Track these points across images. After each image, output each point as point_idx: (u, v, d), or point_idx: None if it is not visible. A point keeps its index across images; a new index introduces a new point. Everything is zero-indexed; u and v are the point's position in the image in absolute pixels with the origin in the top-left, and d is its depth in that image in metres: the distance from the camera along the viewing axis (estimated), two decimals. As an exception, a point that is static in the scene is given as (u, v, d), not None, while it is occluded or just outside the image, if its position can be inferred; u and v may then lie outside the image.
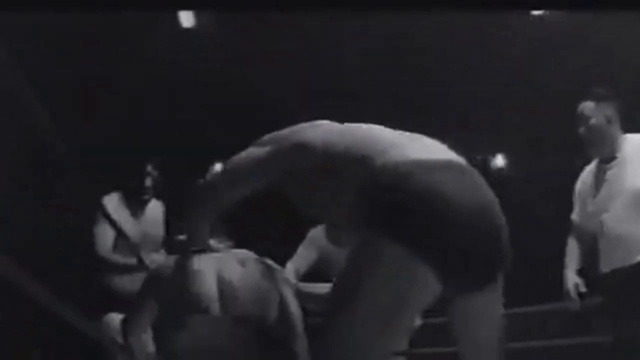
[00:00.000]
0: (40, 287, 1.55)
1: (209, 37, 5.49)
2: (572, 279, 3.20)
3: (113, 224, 2.89)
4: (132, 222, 3.58)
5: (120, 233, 3.19)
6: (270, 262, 2.31)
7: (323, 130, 1.84)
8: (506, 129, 6.37)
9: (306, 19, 4.77)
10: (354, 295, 1.54)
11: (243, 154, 1.95)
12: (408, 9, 3.52)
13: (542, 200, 6.28)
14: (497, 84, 5.67)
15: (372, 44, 5.40)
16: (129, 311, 2.35)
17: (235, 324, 2.13)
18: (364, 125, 1.83)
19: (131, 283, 3.12)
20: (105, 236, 3.47)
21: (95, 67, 5.18)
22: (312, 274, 3.33)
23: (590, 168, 3.27)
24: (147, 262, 3.25)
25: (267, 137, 1.94)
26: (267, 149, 1.90)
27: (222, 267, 2.21)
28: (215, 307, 2.14)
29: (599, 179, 3.18)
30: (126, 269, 3.41)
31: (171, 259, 2.30)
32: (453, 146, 1.79)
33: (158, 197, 3.77)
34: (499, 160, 7.23)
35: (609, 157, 3.15)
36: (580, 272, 3.24)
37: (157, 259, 3.40)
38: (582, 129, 3.16)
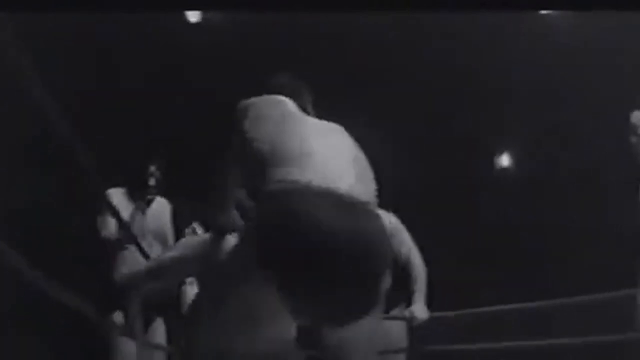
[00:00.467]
0: (48, 281, 1.60)
1: (216, 32, 5.52)
2: None
3: (116, 214, 2.96)
4: (135, 216, 3.66)
5: (121, 224, 3.27)
6: None
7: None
8: (511, 128, 6.39)
9: (318, 17, 4.80)
10: None
11: None
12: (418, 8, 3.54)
13: (547, 200, 6.31)
14: (505, 82, 5.68)
15: (379, 42, 5.42)
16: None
17: None
18: (301, 130, 1.87)
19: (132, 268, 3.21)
20: (109, 223, 3.56)
21: (104, 65, 5.23)
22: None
23: None
24: (147, 251, 3.33)
25: None
26: None
27: None
28: None
29: None
30: (127, 254, 3.50)
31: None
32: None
33: (163, 195, 3.86)
34: (504, 160, 7.25)
35: None
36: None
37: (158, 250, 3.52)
38: (633, 138, 3.15)
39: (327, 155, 1.79)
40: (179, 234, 3.74)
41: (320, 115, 2.03)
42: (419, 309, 3.65)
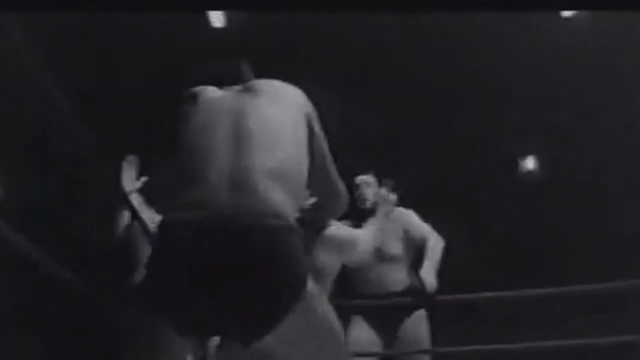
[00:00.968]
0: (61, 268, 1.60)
1: (216, 32, 5.52)
2: None
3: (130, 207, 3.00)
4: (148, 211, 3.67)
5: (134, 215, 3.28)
6: None
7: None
8: (511, 128, 6.38)
9: (318, 17, 4.79)
10: None
11: None
12: (418, 8, 3.53)
13: (547, 199, 6.31)
14: (505, 82, 5.68)
15: (379, 42, 5.42)
16: None
17: None
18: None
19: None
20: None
21: (104, 65, 5.23)
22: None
23: None
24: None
25: None
26: None
27: None
28: None
29: None
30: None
31: None
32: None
33: None
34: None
35: None
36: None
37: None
38: None
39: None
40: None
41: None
42: (427, 273, 3.68)
